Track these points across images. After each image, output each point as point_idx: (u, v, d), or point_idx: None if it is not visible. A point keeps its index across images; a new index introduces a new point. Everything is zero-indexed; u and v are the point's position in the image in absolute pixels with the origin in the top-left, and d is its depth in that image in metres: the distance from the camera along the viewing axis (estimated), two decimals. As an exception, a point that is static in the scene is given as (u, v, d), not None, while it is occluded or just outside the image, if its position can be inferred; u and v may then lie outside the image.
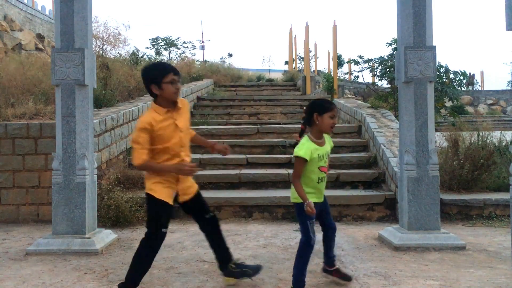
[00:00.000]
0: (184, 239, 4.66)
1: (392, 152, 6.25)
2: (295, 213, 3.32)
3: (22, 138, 5.70)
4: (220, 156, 7.10)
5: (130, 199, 5.35)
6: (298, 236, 4.86)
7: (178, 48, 25.13)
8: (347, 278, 3.45)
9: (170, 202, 3.11)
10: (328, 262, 3.48)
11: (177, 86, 3.09)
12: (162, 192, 3.07)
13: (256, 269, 3.40)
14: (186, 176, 3.17)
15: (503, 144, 6.92)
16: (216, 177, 6.35)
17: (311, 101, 3.38)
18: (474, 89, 31.15)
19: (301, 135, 3.29)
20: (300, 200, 3.14)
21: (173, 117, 3.09)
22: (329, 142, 3.32)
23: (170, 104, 3.10)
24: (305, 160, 3.09)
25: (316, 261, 3.88)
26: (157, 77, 3.04)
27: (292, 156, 6.99)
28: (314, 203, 3.11)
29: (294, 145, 3.30)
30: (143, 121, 3.02)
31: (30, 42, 16.61)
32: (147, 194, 3.10)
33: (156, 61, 3.74)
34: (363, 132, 7.93)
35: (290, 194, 3.32)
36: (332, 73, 13.61)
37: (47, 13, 20.53)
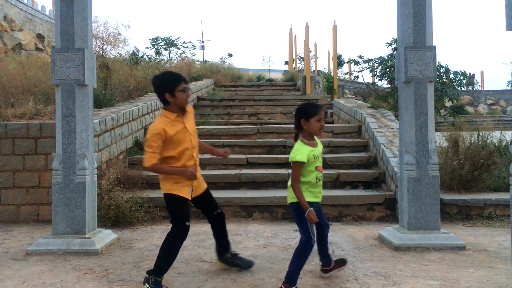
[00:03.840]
0: (184, 239, 4.65)
1: (392, 152, 6.25)
2: (293, 213, 3.37)
3: (22, 138, 5.70)
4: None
5: (130, 199, 5.35)
6: (298, 236, 4.85)
7: (178, 48, 25.17)
8: (344, 261, 3.59)
9: (189, 198, 3.42)
10: (327, 262, 3.54)
11: (188, 94, 3.38)
12: (182, 190, 3.35)
13: (248, 265, 3.71)
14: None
15: (503, 144, 6.92)
16: (216, 177, 6.35)
17: (298, 106, 3.48)
18: (474, 89, 31.19)
19: (296, 139, 3.38)
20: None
21: (182, 121, 3.37)
22: (319, 143, 3.41)
23: (179, 110, 3.37)
24: (302, 163, 3.17)
25: (316, 261, 3.89)
26: (170, 86, 3.31)
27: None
28: (313, 202, 3.24)
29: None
30: (156, 128, 3.26)
31: (30, 42, 16.61)
32: (168, 194, 3.36)
33: (165, 71, 4.29)
34: (363, 132, 7.93)
35: (287, 195, 3.37)
36: (332, 73, 13.61)
37: (47, 13, 20.52)
